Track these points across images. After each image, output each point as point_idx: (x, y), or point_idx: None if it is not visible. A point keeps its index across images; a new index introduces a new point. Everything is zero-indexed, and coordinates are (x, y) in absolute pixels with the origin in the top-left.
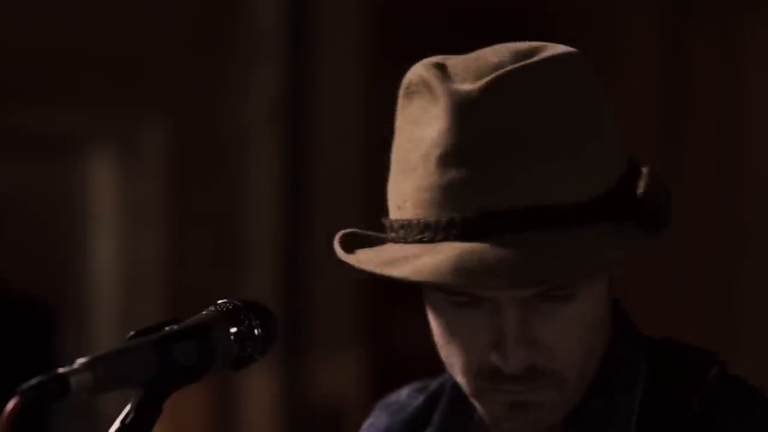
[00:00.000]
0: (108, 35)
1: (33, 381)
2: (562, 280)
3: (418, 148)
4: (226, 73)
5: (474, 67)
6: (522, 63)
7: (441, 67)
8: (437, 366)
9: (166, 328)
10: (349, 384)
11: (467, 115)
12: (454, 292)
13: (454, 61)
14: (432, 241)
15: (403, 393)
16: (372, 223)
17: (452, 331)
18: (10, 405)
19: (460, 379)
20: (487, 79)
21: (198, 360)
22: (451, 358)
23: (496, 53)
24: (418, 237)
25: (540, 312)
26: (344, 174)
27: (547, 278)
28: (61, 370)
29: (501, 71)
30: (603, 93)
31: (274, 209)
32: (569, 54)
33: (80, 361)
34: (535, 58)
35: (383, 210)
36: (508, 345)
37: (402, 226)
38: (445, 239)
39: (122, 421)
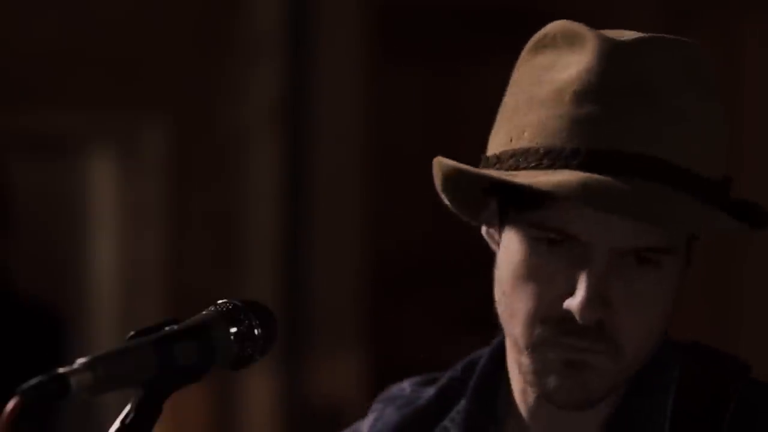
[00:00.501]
0: (108, 35)
1: (33, 381)
2: (682, 227)
3: (551, 85)
4: (226, 73)
5: (614, 34)
6: (671, 36)
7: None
8: (437, 366)
9: (166, 328)
10: (349, 384)
11: (616, 57)
12: (549, 227)
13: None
14: (550, 167)
15: (405, 386)
16: (372, 222)
17: (530, 272)
18: (10, 405)
19: (521, 328)
20: (639, 35)
21: (198, 360)
22: (517, 305)
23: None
24: (534, 164)
25: (626, 273)
26: (344, 174)
27: (671, 223)
28: (61, 370)
29: (650, 35)
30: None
31: (274, 209)
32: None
33: (80, 361)
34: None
35: (383, 209)
36: (587, 293)
37: (514, 155)
38: (565, 167)
39: (122, 421)
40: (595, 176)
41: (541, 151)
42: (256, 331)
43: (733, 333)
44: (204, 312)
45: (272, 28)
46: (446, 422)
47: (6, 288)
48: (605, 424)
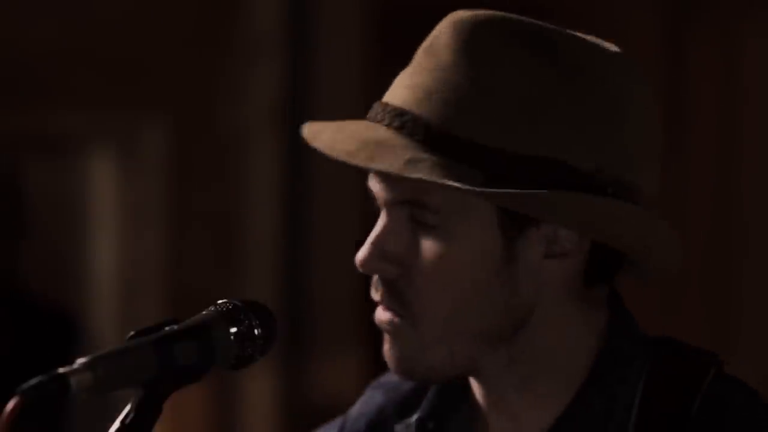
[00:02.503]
0: (108, 35)
1: (33, 381)
2: (375, 168)
3: None
4: (226, 73)
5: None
6: (510, 17)
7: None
8: None
9: (166, 328)
10: (349, 384)
11: (445, 26)
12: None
13: None
14: (372, 119)
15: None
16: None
17: None
18: (10, 405)
19: None
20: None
21: (198, 360)
22: None
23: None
24: (370, 112)
25: (402, 230)
26: (344, 174)
27: (360, 161)
28: (61, 370)
29: (499, 14)
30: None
31: (274, 209)
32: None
33: (80, 361)
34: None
35: None
36: (365, 244)
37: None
38: (378, 121)
39: (122, 421)
40: (365, 126)
41: (376, 104)
42: (256, 331)
43: (733, 333)
44: (204, 312)
45: (272, 28)
46: (418, 411)
47: (14, 288)
48: (558, 417)
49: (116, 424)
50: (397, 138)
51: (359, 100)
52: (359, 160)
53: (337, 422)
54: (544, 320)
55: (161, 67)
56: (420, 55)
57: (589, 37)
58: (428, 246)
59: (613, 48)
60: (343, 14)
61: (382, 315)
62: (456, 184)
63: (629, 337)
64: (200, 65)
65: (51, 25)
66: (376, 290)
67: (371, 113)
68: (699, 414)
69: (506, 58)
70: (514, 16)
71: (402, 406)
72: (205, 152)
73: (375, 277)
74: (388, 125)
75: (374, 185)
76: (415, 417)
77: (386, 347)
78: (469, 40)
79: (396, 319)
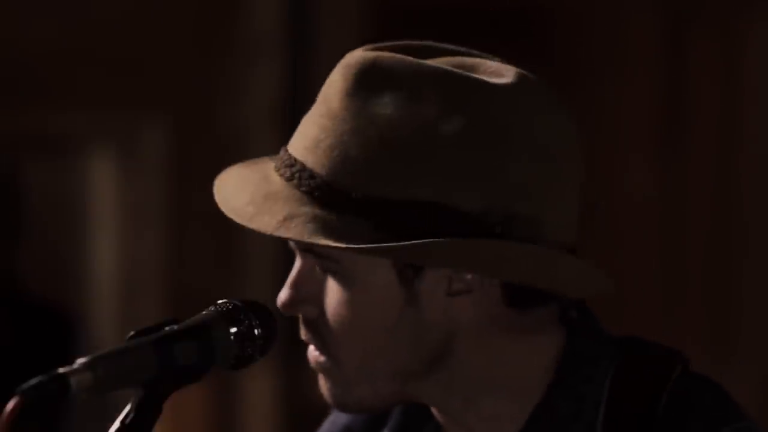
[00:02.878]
0: (108, 35)
1: (33, 381)
2: (243, 221)
3: None
4: (226, 73)
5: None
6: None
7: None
8: None
9: (166, 328)
10: None
11: (341, 69)
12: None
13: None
14: (276, 166)
15: None
16: None
17: None
18: (10, 405)
19: None
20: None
21: (198, 360)
22: None
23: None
24: (277, 156)
25: (312, 272)
26: None
27: (239, 218)
28: (61, 370)
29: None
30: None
31: None
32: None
33: (80, 361)
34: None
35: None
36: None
37: None
38: (277, 170)
39: (122, 421)
40: (262, 176)
41: (282, 149)
42: (256, 331)
43: (733, 333)
44: (204, 312)
45: (272, 28)
46: (387, 428)
47: (12, 288)
48: (526, 420)
49: (116, 424)
50: (286, 189)
51: None
52: (241, 219)
53: None
54: (468, 349)
55: (161, 67)
56: (317, 101)
57: (483, 72)
58: (334, 290)
59: (508, 77)
60: (342, 14)
61: (310, 354)
62: (322, 242)
63: (592, 337)
64: (200, 65)
65: (51, 25)
66: (303, 331)
67: (276, 160)
68: (666, 411)
69: (384, 103)
70: (397, 56)
71: (368, 425)
72: (205, 152)
73: (300, 317)
74: (282, 175)
75: None
76: (389, 423)
77: (320, 383)
78: (353, 85)
79: (321, 359)
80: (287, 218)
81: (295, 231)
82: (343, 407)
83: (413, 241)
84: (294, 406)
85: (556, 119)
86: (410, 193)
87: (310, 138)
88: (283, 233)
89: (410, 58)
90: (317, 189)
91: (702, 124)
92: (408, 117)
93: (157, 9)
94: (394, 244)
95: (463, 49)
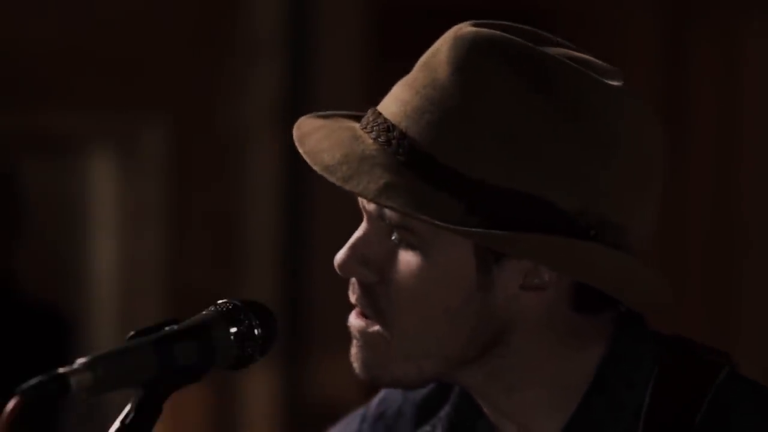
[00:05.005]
0: (108, 35)
1: (33, 381)
2: (334, 178)
3: None
4: (226, 73)
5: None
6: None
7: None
8: None
9: (166, 328)
10: (349, 384)
11: (442, 42)
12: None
13: None
14: (363, 126)
15: None
16: None
17: None
18: (10, 405)
19: None
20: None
21: (198, 360)
22: None
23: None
24: (364, 116)
25: (384, 242)
26: None
27: (330, 174)
28: (61, 369)
29: (490, 34)
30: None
31: (274, 209)
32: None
33: (80, 361)
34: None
35: None
36: (345, 246)
37: None
38: (368, 131)
39: (122, 421)
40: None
41: (371, 110)
42: (256, 331)
43: (733, 332)
44: (204, 312)
45: (272, 28)
46: (437, 420)
47: (10, 288)
48: (568, 420)
49: (116, 424)
50: (381, 154)
51: (359, 100)
52: (336, 178)
53: (357, 414)
54: (523, 342)
55: (161, 67)
56: (418, 69)
57: (593, 66)
58: (405, 261)
59: (616, 81)
60: (342, 14)
61: (354, 321)
62: (428, 219)
63: (637, 340)
64: (200, 65)
65: (51, 25)
66: (353, 292)
67: (364, 120)
68: (704, 421)
69: (500, 85)
70: (516, 39)
71: (419, 414)
72: (205, 152)
73: (352, 279)
74: (375, 138)
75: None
76: (443, 414)
77: (353, 351)
78: (466, 60)
79: (368, 329)
80: (388, 186)
81: (396, 201)
82: (376, 380)
83: (516, 233)
84: (294, 406)
85: (657, 130)
86: (511, 182)
87: (411, 106)
88: (383, 201)
89: (528, 43)
90: (418, 161)
91: (702, 124)
92: (522, 106)
93: (157, 9)
94: (497, 232)
95: (558, 38)
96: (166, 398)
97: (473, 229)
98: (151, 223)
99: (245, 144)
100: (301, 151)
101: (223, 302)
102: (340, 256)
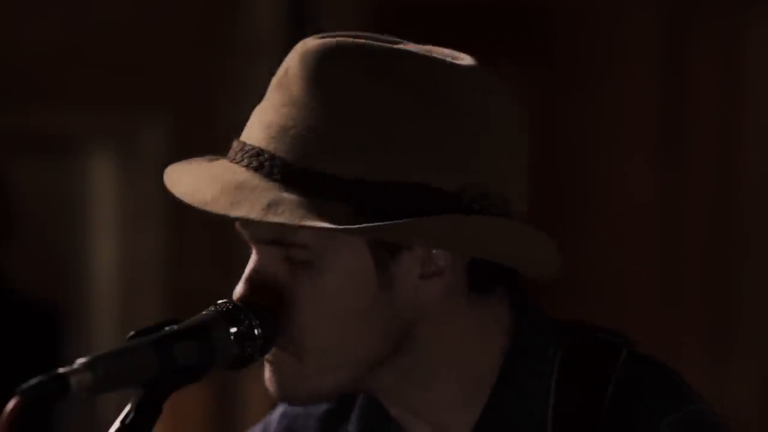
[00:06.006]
0: (108, 35)
1: (33, 381)
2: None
3: None
4: (226, 73)
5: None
6: (344, 42)
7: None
8: None
9: (166, 328)
10: None
11: (294, 56)
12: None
13: None
14: (231, 159)
15: None
16: None
17: None
18: (10, 405)
19: None
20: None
21: (198, 360)
22: None
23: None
24: (229, 152)
25: (274, 265)
26: None
27: (190, 199)
28: (61, 370)
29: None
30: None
31: None
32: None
33: (80, 361)
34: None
35: None
36: (242, 277)
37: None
38: (237, 162)
39: (122, 421)
40: (226, 169)
41: (235, 142)
42: (256, 331)
43: (733, 333)
44: (204, 312)
45: (272, 28)
46: (348, 425)
47: (6, 287)
48: (480, 416)
49: (116, 424)
50: (257, 179)
51: None
52: (220, 207)
53: (258, 426)
54: (429, 335)
55: (161, 67)
56: (272, 90)
57: (440, 54)
58: (302, 281)
59: (466, 61)
60: (342, 14)
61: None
62: (318, 224)
63: (538, 330)
64: (200, 65)
65: (51, 25)
66: None
67: (230, 153)
68: (612, 402)
69: (351, 86)
70: (360, 41)
71: (323, 421)
72: (205, 152)
73: None
74: (247, 166)
75: (239, 227)
76: (350, 426)
77: (267, 376)
78: (316, 70)
79: (279, 353)
80: (272, 204)
81: (285, 216)
82: (292, 399)
83: (403, 220)
84: None
85: (509, 99)
86: (386, 174)
87: (274, 127)
88: (272, 218)
89: (370, 42)
90: (293, 176)
91: (702, 123)
92: (378, 101)
93: (157, 9)
94: (383, 223)
95: (406, 41)
96: (166, 398)
97: (360, 226)
98: (151, 223)
99: None
100: (176, 194)
101: (223, 302)
102: (238, 290)
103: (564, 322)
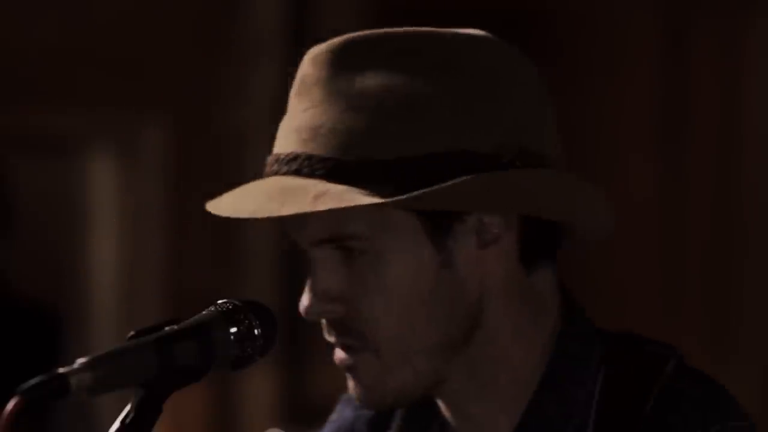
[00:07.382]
0: (108, 35)
1: (33, 381)
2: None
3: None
4: (226, 73)
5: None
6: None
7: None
8: None
9: (166, 328)
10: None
11: (309, 61)
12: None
13: None
14: (269, 174)
15: None
16: None
17: None
18: (10, 405)
19: None
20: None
21: (198, 360)
22: None
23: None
24: (266, 169)
25: (332, 264)
26: None
27: (265, 211)
28: (61, 369)
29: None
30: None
31: None
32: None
33: (80, 360)
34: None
35: None
36: (305, 291)
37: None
38: (275, 173)
39: (122, 421)
40: (273, 182)
41: (270, 157)
42: (256, 331)
43: (733, 333)
44: (204, 312)
45: (272, 28)
46: (392, 425)
47: (4, 288)
48: (515, 426)
49: (116, 424)
50: (299, 180)
51: None
52: (269, 212)
53: None
54: (495, 321)
55: (161, 67)
56: (293, 101)
57: (451, 31)
58: (363, 272)
59: (471, 31)
60: (343, 14)
61: (339, 354)
62: (365, 201)
63: (582, 337)
64: (200, 65)
65: (51, 25)
66: (328, 333)
67: (267, 170)
68: (654, 410)
69: (372, 72)
70: (367, 32)
71: (372, 424)
72: (204, 152)
73: (323, 322)
74: (286, 173)
75: (293, 231)
76: (393, 425)
77: (351, 385)
78: (332, 68)
79: (355, 356)
80: (318, 195)
81: (334, 202)
82: (381, 401)
83: (453, 181)
84: (294, 406)
85: (527, 61)
86: (424, 148)
87: (304, 130)
88: (321, 207)
89: (374, 30)
90: (334, 169)
91: (702, 123)
92: (401, 79)
93: (157, 9)
94: (434, 188)
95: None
96: (166, 398)
97: (405, 196)
98: (151, 224)
99: (244, 144)
100: (220, 213)
101: (223, 302)
102: (305, 303)
103: (611, 330)
